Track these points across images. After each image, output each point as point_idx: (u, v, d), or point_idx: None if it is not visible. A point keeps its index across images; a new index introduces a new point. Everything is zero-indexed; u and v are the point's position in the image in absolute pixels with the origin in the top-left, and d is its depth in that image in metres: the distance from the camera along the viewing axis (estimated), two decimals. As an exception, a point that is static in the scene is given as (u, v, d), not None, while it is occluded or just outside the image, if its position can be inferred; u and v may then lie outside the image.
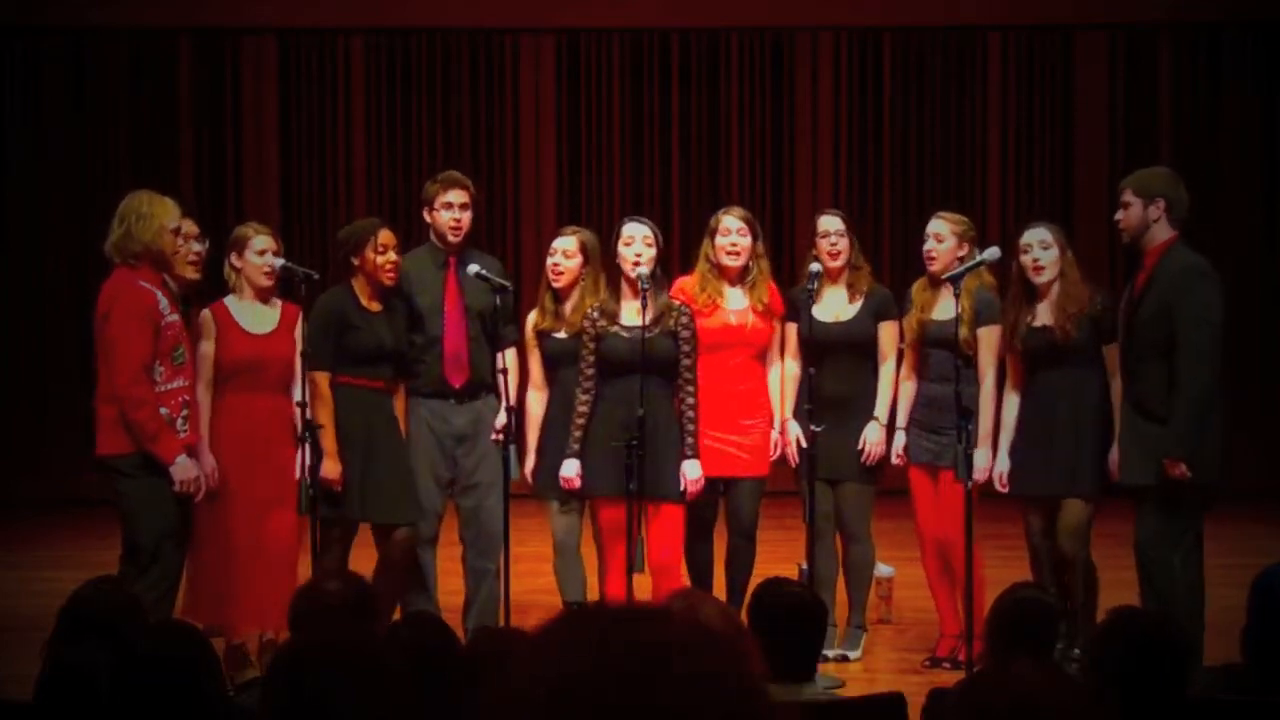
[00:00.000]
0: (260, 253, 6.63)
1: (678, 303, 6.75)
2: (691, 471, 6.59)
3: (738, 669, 1.63)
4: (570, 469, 6.64)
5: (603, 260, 7.04)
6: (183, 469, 6.25)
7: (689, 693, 1.59)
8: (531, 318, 7.10)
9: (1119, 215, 6.51)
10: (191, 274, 6.70)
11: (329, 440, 6.58)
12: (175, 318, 6.35)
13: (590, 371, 6.65)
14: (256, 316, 6.64)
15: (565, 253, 7.00)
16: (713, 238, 7.03)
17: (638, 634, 1.62)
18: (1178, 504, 6.25)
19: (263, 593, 6.43)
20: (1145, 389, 6.33)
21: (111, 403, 6.31)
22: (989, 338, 6.84)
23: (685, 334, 6.64)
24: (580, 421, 6.63)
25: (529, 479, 7.01)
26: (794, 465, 7.03)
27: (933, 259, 6.95)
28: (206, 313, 6.59)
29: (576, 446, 6.64)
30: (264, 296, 6.67)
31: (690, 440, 6.60)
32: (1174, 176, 6.62)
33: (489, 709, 1.63)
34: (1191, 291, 6.28)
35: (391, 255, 6.75)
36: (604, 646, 1.61)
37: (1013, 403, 6.81)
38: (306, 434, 6.41)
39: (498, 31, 12.00)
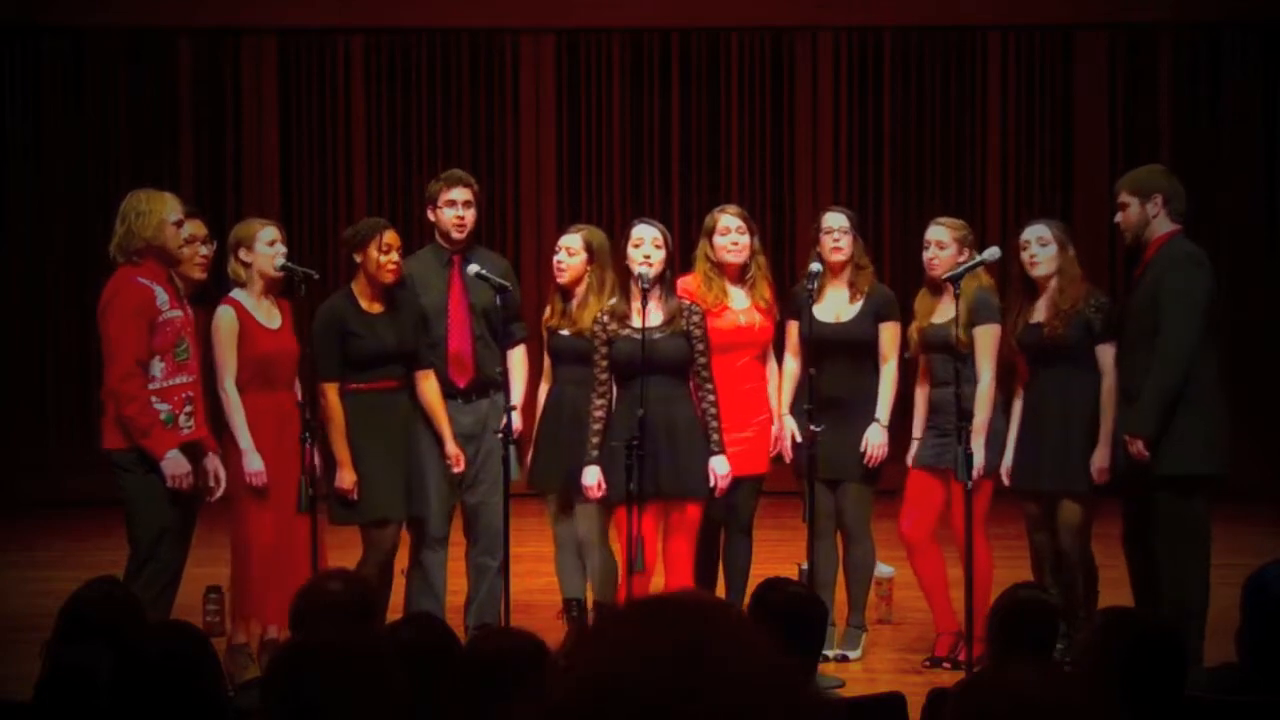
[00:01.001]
0: (270, 243, 6.64)
1: (689, 302, 6.75)
2: (720, 467, 6.60)
3: (789, 666, 1.62)
4: (590, 477, 6.62)
5: (612, 259, 7.07)
6: (173, 464, 6.24)
7: (740, 693, 1.57)
8: (545, 312, 7.13)
9: (1118, 217, 6.54)
10: (198, 274, 6.71)
11: (341, 449, 6.59)
12: (177, 313, 6.35)
13: (604, 376, 6.64)
14: (267, 312, 6.66)
15: (568, 250, 7.01)
16: (710, 237, 7.04)
17: (687, 633, 1.60)
18: (1183, 497, 6.27)
19: (281, 589, 6.43)
20: (1130, 377, 6.37)
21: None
22: (985, 337, 6.84)
23: (698, 333, 6.64)
24: (597, 427, 6.62)
25: (523, 471, 7.02)
26: (789, 461, 7.04)
27: (934, 266, 6.94)
28: (226, 307, 6.58)
29: (595, 453, 6.62)
30: (269, 291, 6.67)
31: (715, 437, 6.61)
32: (1167, 171, 6.66)
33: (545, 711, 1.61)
34: (1175, 274, 6.30)
35: (394, 256, 6.74)
36: (652, 649, 1.58)
37: (1017, 404, 6.84)
38: (307, 435, 6.41)
39: (498, 31, 11.99)
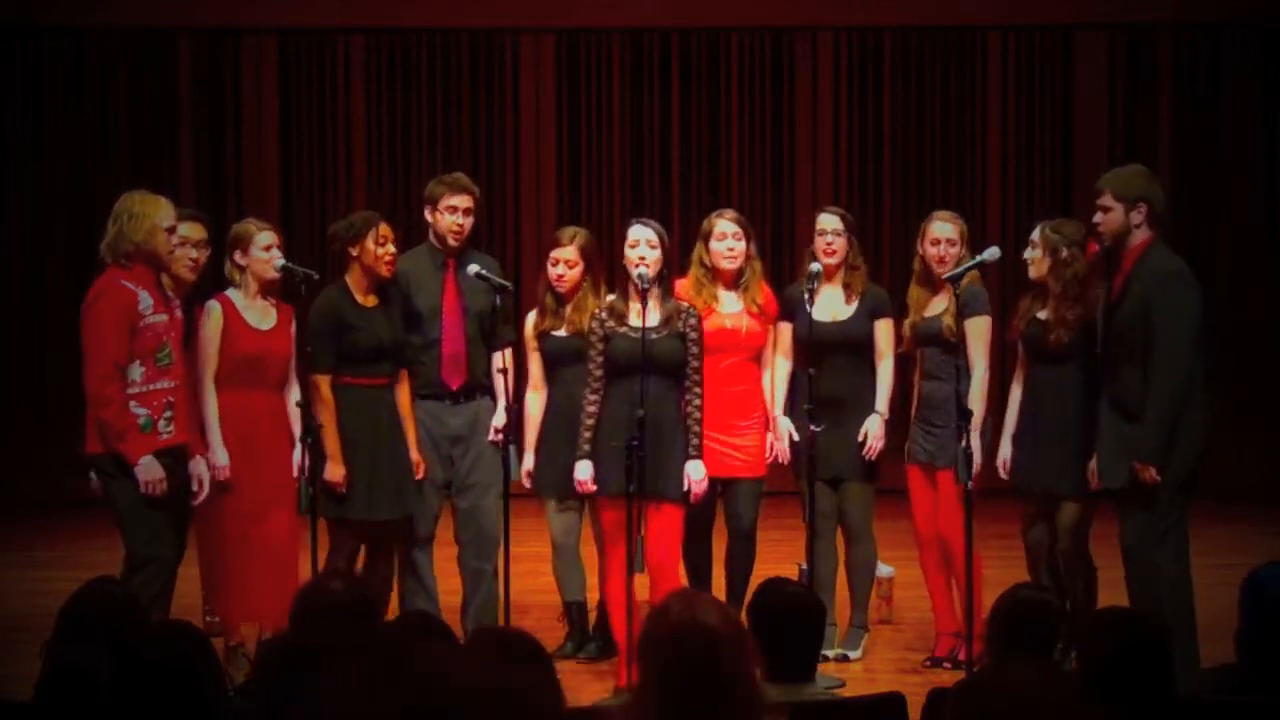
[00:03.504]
0: (266, 248, 6.65)
1: (686, 304, 6.75)
2: (695, 472, 6.58)
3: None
4: (584, 471, 6.62)
5: (602, 257, 7.09)
6: (146, 470, 6.22)
7: None
8: (531, 318, 7.11)
9: (1098, 218, 6.48)
10: (187, 276, 6.71)
11: (332, 442, 6.60)
12: (160, 318, 6.32)
13: (599, 373, 6.64)
14: (259, 313, 6.66)
15: (567, 262, 7.01)
16: (707, 241, 7.05)
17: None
18: (1158, 503, 6.26)
19: (261, 591, 6.45)
20: (1123, 391, 6.34)
21: None
22: (977, 328, 6.86)
23: (693, 335, 6.63)
24: (589, 423, 6.62)
25: (526, 480, 7.03)
26: (784, 462, 7.04)
27: (945, 262, 6.91)
28: (214, 303, 6.60)
29: (587, 448, 6.62)
30: (264, 294, 6.68)
31: (695, 441, 6.60)
32: (1150, 175, 6.64)
33: None
34: (1167, 295, 6.27)
35: (391, 248, 6.77)
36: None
37: (1016, 392, 6.85)
38: (308, 434, 6.42)
39: (498, 31, 11.99)
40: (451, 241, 7.03)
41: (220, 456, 6.50)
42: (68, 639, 4.07)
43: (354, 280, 6.76)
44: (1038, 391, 6.77)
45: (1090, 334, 6.64)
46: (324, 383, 6.67)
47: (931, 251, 6.97)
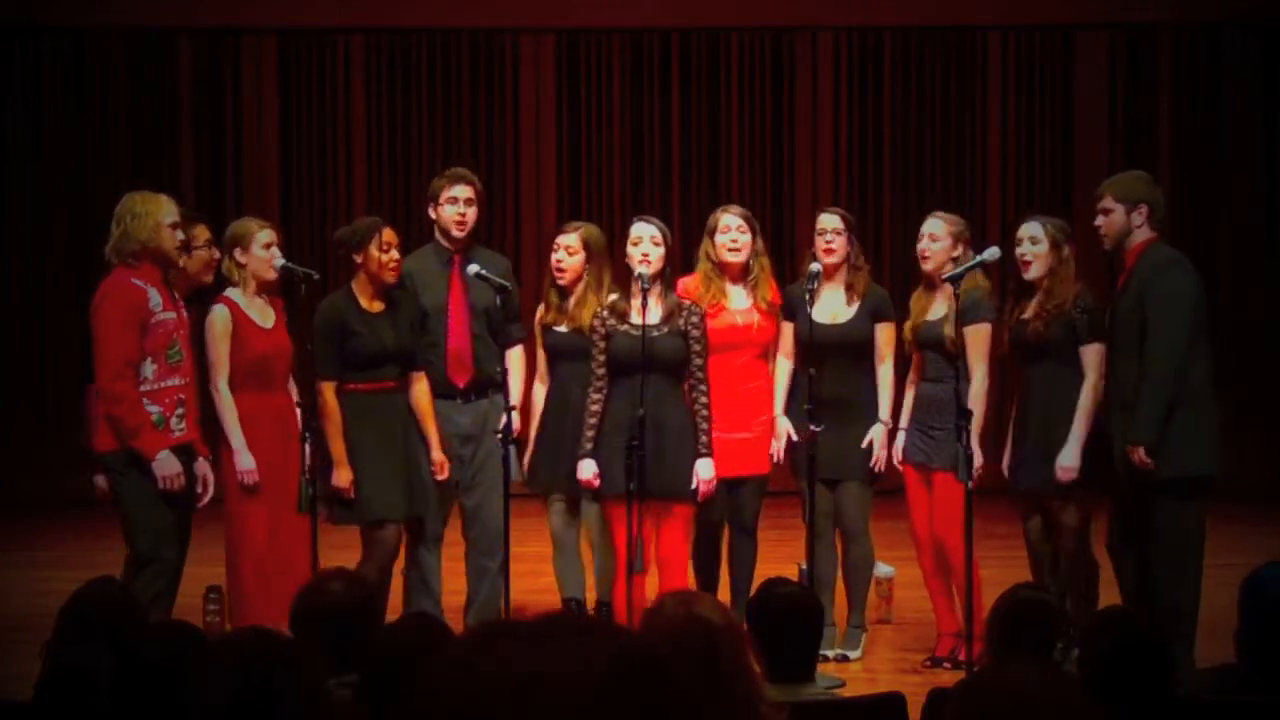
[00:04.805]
0: (266, 246, 6.66)
1: (689, 302, 6.75)
2: (705, 471, 6.59)
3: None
4: (587, 470, 6.62)
5: (609, 255, 7.10)
6: (164, 465, 6.23)
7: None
8: (539, 311, 7.13)
9: (1099, 221, 6.53)
10: (208, 278, 6.73)
11: (338, 448, 6.59)
12: (170, 315, 6.34)
13: (601, 371, 6.66)
14: (260, 311, 6.67)
15: (568, 249, 7.03)
16: (712, 236, 7.06)
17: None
18: (1182, 500, 6.26)
19: (286, 592, 6.42)
20: (1124, 385, 6.36)
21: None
22: (976, 336, 6.84)
23: (696, 333, 6.64)
24: (592, 421, 6.63)
25: (523, 472, 7.03)
26: (777, 461, 7.05)
27: (926, 258, 6.94)
28: (220, 307, 6.59)
29: (590, 446, 6.63)
30: (262, 291, 6.68)
31: (704, 439, 6.60)
32: (1151, 180, 6.73)
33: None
34: (1162, 279, 6.32)
35: (395, 254, 6.76)
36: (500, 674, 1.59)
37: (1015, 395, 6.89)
38: (307, 434, 6.41)
39: (498, 31, 11.99)
40: (456, 233, 7.04)
41: (246, 460, 6.48)
42: (68, 639, 4.07)
43: (359, 286, 6.76)
44: (1028, 391, 6.77)
45: (1072, 330, 6.64)
46: (329, 389, 6.66)
47: (917, 246, 7.00)
